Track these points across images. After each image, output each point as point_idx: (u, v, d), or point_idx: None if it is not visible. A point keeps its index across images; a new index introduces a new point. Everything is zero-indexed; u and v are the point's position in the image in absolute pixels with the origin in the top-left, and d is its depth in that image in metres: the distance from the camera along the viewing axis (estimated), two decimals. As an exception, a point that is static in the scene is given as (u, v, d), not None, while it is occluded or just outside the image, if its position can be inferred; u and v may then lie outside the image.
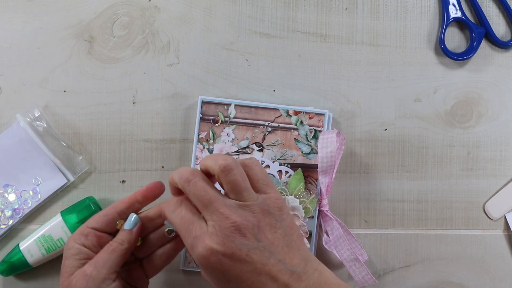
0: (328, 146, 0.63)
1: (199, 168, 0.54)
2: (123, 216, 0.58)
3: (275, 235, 0.51)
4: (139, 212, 0.59)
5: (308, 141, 0.66)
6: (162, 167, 0.68)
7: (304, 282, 0.50)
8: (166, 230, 0.58)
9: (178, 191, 0.54)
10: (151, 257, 0.59)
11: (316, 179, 0.66)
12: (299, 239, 0.53)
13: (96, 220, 0.58)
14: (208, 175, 0.54)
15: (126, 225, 0.57)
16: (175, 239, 0.59)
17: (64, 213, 0.65)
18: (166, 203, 0.54)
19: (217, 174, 0.52)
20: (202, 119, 0.67)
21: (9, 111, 0.67)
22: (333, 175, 0.64)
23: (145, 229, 0.58)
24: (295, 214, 0.65)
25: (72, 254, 0.56)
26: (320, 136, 0.64)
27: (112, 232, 0.58)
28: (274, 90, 0.68)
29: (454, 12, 0.68)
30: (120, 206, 0.58)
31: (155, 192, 0.59)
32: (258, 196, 0.52)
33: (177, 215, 0.52)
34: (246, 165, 0.53)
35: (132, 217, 0.57)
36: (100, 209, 0.65)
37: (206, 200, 0.51)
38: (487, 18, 0.68)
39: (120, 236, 0.56)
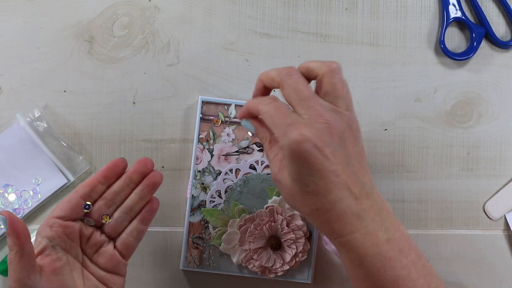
0: None
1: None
2: (88, 199, 0.57)
3: (353, 149, 0.53)
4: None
5: (308, 141, 0.66)
6: (162, 167, 0.68)
7: (370, 201, 0.52)
8: (102, 217, 0.58)
9: (263, 90, 0.56)
10: (122, 237, 0.59)
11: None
12: (367, 164, 0.55)
13: (60, 208, 0.56)
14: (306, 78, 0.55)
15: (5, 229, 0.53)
16: (141, 213, 0.59)
17: (64, 213, 0.65)
18: (255, 100, 0.54)
19: (323, 73, 0.53)
20: (202, 119, 0.67)
21: (9, 111, 0.67)
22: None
23: (95, 193, 0.58)
24: (295, 214, 0.65)
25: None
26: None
27: (78, 218, 0.57)
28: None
29: (454, 12, 0.68)
30: (83, 189, 0.57)
31: (116, 170, 0.58)
32: (345, 110, 0.53)
33: (272, 105, 0.53)
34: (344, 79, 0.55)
35: (1, 219, 0.52)
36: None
37: (304, 94, 0.52)
38: (487, 18, 0.68)
39: (8, 242, 0.53)
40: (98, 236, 0.58)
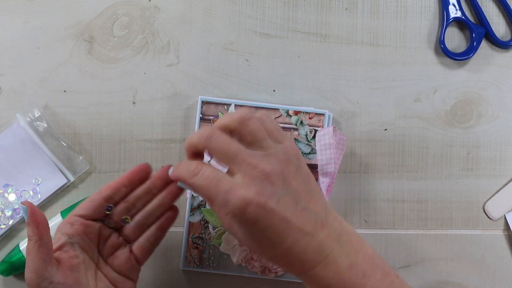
0: (325, 140, 0.63)
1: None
2: (110, 201, 0.57)
3: (298, 182, 0.51)
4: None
5: (308, 141, 0.66)
6: (162, 167, 0.68)
7: (326, 229, 0.51)
8: (122, 218, 0.58)
9: (194, 156, 0.54)
10: (139, 241, 0.59)
11: (317, 179, 0.65)
12: (317, 188, 0.53)
13: (82, 207, 0.57)
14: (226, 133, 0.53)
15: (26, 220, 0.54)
16: (160, 219, 0.59)
17: (64, 213, 0.65)
18: (182, 169, 0.53)
19: (235, 127, 0.51)
20: (202, 119, 0.67)
21: (9, 111, 0.67)
22: (334, 176, 0.64)
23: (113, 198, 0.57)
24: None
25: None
26: (317, 134, 0.64)
27: (99, 218, 0.57)
28: (274, 90, 0.68)
29: (454, 12, 0.68)
30: (106, 191, 0.57)
31: (141, 175, 0.58)
32: (276, 145, 0.52)
33: (200, 176, 0.51)
34: (259, 119, 0.53)
35: (22, 208, 0.53)
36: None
37: (231, 153, 0.50)
38: (487, 18, 0.68)
39: (28, 232, 0.53)
40: (115, 239, 0.58)
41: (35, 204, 0.66)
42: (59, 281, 0.53)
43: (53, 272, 0.53)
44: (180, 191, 0.58)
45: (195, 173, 0.52)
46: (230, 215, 0.49)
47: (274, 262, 0.53)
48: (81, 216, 0.57)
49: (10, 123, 0.66)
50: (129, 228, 0.59)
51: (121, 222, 0.58)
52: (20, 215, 0.66)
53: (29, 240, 0.52)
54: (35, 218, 0.52)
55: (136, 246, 0.59)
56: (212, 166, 0.52)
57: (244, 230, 0.50)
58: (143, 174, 0.58)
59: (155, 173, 0.59)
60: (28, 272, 0.52)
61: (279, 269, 0.65)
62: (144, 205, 0.59)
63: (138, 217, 0.58)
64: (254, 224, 0.49)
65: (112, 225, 0.58)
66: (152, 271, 0.68)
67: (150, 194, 0.58)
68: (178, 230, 0.68)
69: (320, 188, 0.53)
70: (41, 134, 0.66)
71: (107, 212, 0.57)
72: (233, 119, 0.52)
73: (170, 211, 0.59)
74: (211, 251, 0.66)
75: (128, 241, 0.59)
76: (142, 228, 0.59)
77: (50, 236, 0.53)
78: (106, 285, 0.57)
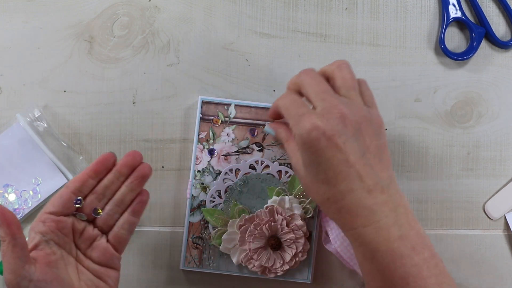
0: None
1: None
2: (79, 194, 0.57)
3: (371, 143, 0.53)
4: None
5: (308, 141, 0.66)
6: (162, 167, 0.68)
7: (385, 196, 0.52)
8: (94, 210, 0.58)
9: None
10: (114, 230, 0.59)
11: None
12: (389, 160, 0.55)
13: (51, 204, 0.57)
14: None
15: None
16: (132, 205, 0.59)
17: (64, 213, 0.65)
18: (277, 99, 0.57)
19: (332, 71, 0.55)
20: (202, 119, 0.67)
21: (9, 111, 0.67)
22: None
23: (85, 188, 0.58)
24: (294, 214, 0.65)
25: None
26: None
27: (70, 213, 0.57)
28: (274, 90, 0.68)
29: (454, 12, 0.68)
30: (73, 185, 0.57)
31: (106, 164, 0.58)
32: (364, 105, 0.55)
33: (289, 99, 0.55)
34: (358, 80, 0.56)
35: None
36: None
37: (319, 88, 0.54)
38: (487, 18, 0.68)
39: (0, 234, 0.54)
40: (90, 231, 0.58)
41: (35, 204, 0.66)
42: (39, 279, 0.53)
43: (31, 270, 0.53)
44: (147, 175, 0.59)
45: (285, 96, 0.56)
46: (297, 136, 0.52)
47: (325, 206, 0.53)
48: (51, 213, 0.56)
49: (10, 123, 0.66)
50: (102, 218, 0.59)
51: (93, 214, 0.58)
52: (20, 214, 0.66)
53: (3, 241, 0.52)
54: (5, 218, 0.52)
55: (112, 235, 0.59)
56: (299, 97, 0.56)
57: (306, 157, 0.52)
58: (108, 164, 0.59)
59: (120, 160, 0.59)
60: (6, 274, 0.52)
61: (279, 269, 0.65)
62: (113, 194, 0.59)
63: (109, 206, 0.59)
64: (315, 152, 0.51)
65: (84, 218, 0.58)
66: (152, 271, 0.68)
67: (118, 183, 0.59)
68: (178, 230, 0.68)
69: (391, 164, 0.55)
70: (41, 134, 0.66)
71: (77, 206, 0.57)
72: (332, 64, 0.56)
73: (140, 195, 0.59)
74: (211, 251, 0.66)
75: (104, 232, 0.59)
76: (114, 216, 0.59)
77: (23, 235, 0.53)
78: (89, 278, 0.57)
